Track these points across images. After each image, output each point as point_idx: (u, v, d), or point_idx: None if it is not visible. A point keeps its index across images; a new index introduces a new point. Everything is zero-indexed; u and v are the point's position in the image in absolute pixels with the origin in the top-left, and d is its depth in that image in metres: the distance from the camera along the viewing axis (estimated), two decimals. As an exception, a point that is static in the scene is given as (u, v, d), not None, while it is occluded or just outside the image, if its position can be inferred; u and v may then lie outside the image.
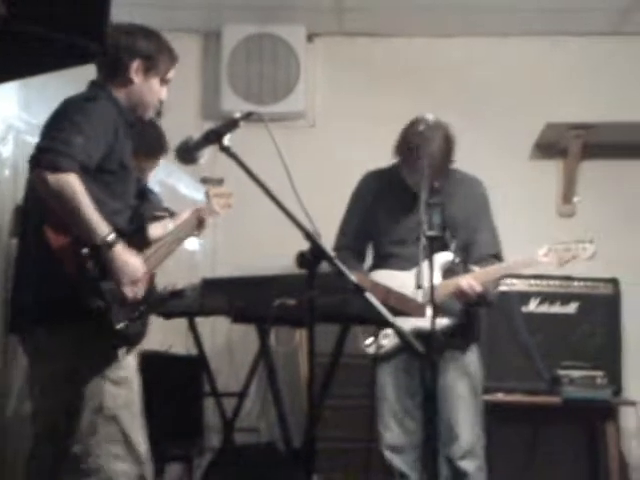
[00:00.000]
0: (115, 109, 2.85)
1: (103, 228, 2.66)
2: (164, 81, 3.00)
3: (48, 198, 2.65)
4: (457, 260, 3.64)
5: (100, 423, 2.74)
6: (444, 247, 3.60)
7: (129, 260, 2.74)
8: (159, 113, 3.06)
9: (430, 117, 3.63)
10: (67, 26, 1.51)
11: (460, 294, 3.60)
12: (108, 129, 2.77)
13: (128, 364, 2.83)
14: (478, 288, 3.58)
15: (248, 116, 2.63)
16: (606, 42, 5.34)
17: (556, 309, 4.82)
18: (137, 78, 2.92)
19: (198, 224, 3.31)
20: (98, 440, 2.74)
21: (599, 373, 4.65)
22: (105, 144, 2.75)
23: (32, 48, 1.55)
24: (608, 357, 4.76)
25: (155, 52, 2.95)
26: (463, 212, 3.72)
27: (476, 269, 3.64)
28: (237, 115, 2.63)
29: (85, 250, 2.66)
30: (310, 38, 5.43)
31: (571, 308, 4.82)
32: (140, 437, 2.82)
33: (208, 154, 2.70)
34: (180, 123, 4.69)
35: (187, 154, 2.68)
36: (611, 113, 5.14)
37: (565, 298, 4.81)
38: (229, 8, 5.22)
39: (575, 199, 5.31)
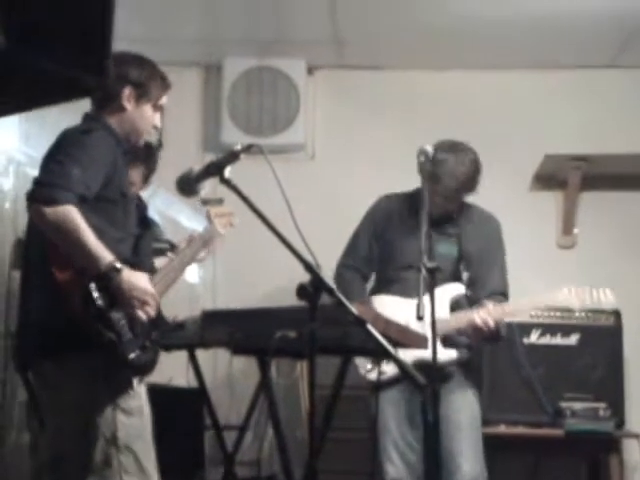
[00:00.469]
0: (112, 138, 2.86)
1: (106, 255, 2.66)
2: (157, 107, 3.00)
3: (48, 232, 2.66)
4: (468, 293, 3.63)
5: (114, 454, 2.72)
6: (457, 279, 3.60)
7: (137, 282, 2.74)
8: (160, 144, 3.07)
9: (459, 142, 3.64)
10: (68, 59, 1.51)
11: (473, 329, 3.57)
12: (106, 159, 2.78)
13: (140, 393, 2.82)
14: (492, 324, 3.55)
15: (248, 148, 2.64)
16: (604, 74, 5.36)
17: (557, 341, 4.80)
18: (129, 105, 2.93)
19: (203, 247, 3.30)
20: (114, 471, 2.72)
21: (602, 405, 4.62)
22: (103, 174, 2.76)
23: (32, 81, 1.56)
24: (610, 389, 4.73)
25: (146, 79, 2.95)
26: (477, 248, 3.72)
27: (490, 304, 3.60)
28: (237, 147, 2.64)
29: (92, 283, 2.66)
30: (310, 71, 5.46)
31: (572, 340, 4.80)
32: (153, 467, 2.81)
33: (209, 186, 2.71)
34: (181, 155, 4.71)
35: (188, 186, 2.69)
36: (610, 144, 5.16)
37: (566, 329, 4.79)
38: (230, 41, 5.26)
39: (575, 230, 5.31)
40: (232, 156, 2.63)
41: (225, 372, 5.16)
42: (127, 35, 4.24)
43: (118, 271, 2.67)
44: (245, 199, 2.54)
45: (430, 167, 3.43)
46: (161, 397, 4.18)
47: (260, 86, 5.39)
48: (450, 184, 3.59)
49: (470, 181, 3.65)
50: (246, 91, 5.39)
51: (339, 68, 5.48)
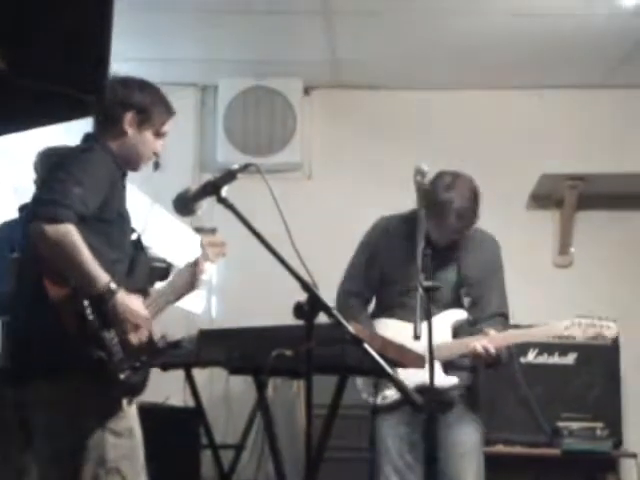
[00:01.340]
0: (111, 160, 2.86)
1: (103, 276, 2.66)
2: (159, 134, 2.99)
3: (46, 249, 2.65)
4: (470, 318, 3.62)
5: (102, 476, 2.71)
6: (458, 304, 3.59)
7: (132, 305, 2.74)
8: (157, 165, 3.06)
9: (455, 174, 3.61)
10: (66, 80, 1.52)
11: (474, 357, 3.56)
12: (104, 179, 2.78)
13: (130, 414, 2.81)
14: (492, 351, 3.53)
15: (246, 168, 2.64)
16: (599, 94, 5.39)
17: (554, 360, 4.80)
18: (130, 130, 2.92)
19: (195, 274, 3.29)
20: None
21: (599, 424, 4.62)
22: (102, 194, 2.76)
23: (31, 102, 1.57)
24: (608, 408, 4.73)
25: (149, 105, 2.94)
26: (477, 271, 3.70)
27: (492, 332, 3.59)
28: (235, 167, 2.64)
29: (86, 301, 2.66)
30: (306, 91, 5.48)
31: (569, 359, 4.80)
32: None
33: (206, 206, 2.72)
34: (177, 175, 4.72)
35: (185, 206, 2.69)
36: (606, 164, 5.18)
37: (563, 349, 4.79)
38: (226, 62, 5.28)
39: (571, 249, 5.32)
40: (229, 175, 2.63)
41: (222, 391, 5.15)
42: (124, 55, 4.28)
43: (113, 293, 2.68)
44: (242, 218, 2.54)
45: (428, 191, 3.40)
46: (157, 416, 4.19)
47: (256, 106, 5.41)
48: (458, 223, 3.58)
49: (475, 214, 3.65)
50: (242, 111, 5.40)
51: (335, 88, 5.51)
